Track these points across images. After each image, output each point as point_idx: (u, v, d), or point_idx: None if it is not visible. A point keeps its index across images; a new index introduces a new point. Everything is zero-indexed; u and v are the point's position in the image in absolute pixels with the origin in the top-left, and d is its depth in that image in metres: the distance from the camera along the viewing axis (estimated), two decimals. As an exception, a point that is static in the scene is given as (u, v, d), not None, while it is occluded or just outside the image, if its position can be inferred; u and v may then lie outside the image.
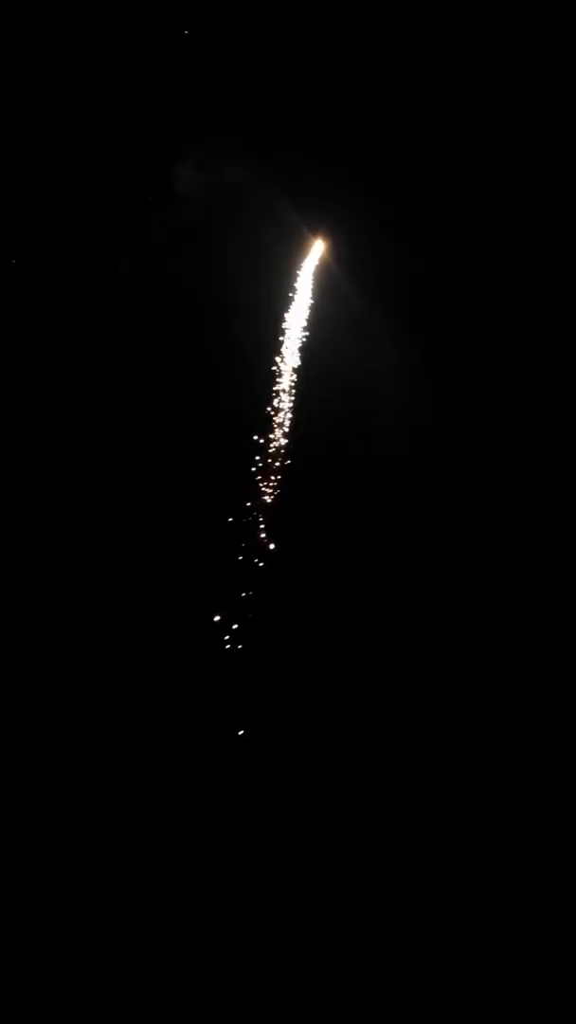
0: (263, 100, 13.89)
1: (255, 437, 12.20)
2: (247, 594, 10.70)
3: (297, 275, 13.95)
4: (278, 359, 13.05)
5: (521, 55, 12.80)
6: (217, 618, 10.35)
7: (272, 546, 11.26)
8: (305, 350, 13.17)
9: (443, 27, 13.03)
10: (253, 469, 11.91)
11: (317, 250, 14.24)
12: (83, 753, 9.02)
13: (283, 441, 12.30)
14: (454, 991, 8.04)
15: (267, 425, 12.39)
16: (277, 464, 12.03)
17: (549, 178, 13.06)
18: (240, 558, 11.04)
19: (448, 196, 13.64)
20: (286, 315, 13.52)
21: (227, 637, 10.27)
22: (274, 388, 12.74)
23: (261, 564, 11.06)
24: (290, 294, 13.76)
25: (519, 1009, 7.91)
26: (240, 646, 10.24)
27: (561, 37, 12.50)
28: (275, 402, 12.63)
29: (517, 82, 12.94)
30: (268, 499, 11.68)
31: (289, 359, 13.14)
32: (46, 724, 9.15)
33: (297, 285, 13.87)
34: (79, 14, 12.97)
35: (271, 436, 12.32)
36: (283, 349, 13.22)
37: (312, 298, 13.69)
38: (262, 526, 11.38)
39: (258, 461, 12.01)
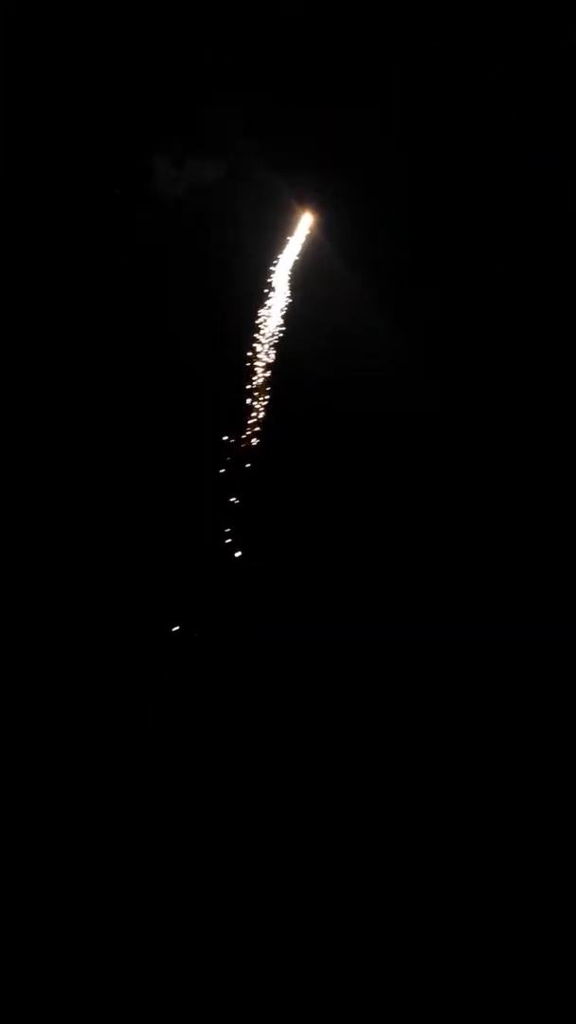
0: (263, 100, 13.92)
1: (236, 430, 12.25)
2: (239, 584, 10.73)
3: (296, 272, 14.00)
4: (266, 342, 13.13)
5: (521, 55, 12.82)
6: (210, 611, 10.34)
7: (262, 530, 11.28)
8: (298, 330, 13.26)
9: (443, 27, 13.06)
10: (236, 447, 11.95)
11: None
12: (74, 757, 8.98)
13: (263, 439, 12.34)
14: (455, 991, 7.98)
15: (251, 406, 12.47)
16: (258, 445, 12.07)
17: (549, 178, 13.08)
18: (231, 542, 11.06)
19: (447, 197, 13.66)
20: (275, 302, 13.61)
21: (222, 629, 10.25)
22: (256, 374, 12.82)
23: (255, 555, 11.07)
24: (284, 286, 13.84)
25: (519, 1009, 7.86)
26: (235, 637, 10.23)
27: (561, 37, 12.53)
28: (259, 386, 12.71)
29: (517, 82, 12.96)
30: (252, 488, 11.68)
31: (278, 343, 13.23)
32: (37, 725, 9.10)
33: (294, 280, 13.94)
34: (81, 13, 13.01)
35: (254, 423, 12.38)
36: (275, 334, 13.30)
37: (304, 285, 13.78)
38: (237, 526, 11.37)
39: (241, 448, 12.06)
